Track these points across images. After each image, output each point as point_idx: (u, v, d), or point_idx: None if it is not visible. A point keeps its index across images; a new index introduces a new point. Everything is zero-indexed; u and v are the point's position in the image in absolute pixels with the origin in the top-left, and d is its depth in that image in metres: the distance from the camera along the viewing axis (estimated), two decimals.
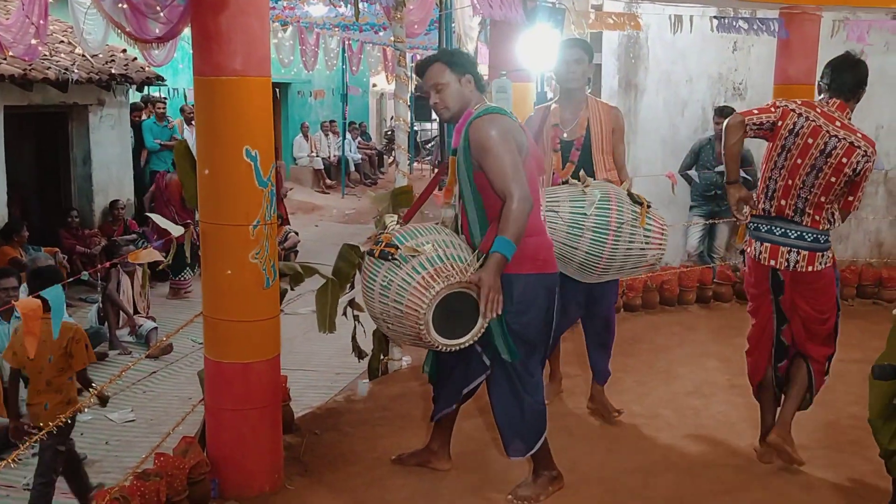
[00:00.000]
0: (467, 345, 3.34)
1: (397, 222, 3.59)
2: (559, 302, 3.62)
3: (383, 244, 3.34)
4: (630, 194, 4.14)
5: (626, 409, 4.63)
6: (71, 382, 4.39)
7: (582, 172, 4.24)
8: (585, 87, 4.45)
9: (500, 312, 3.23)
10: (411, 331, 3.29)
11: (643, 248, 4.11)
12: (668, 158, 7.83)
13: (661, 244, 4.18)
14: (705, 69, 8.14)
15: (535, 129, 4.40)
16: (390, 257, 3.28)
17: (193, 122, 11.12)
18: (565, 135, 4.42)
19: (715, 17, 6.76)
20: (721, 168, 7.05)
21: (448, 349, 3.33)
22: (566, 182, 4.29)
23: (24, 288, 6.35)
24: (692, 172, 7.19)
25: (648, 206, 4.14)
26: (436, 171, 4.54)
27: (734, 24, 6.69)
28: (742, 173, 6.87)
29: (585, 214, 4.00)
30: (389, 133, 21.07)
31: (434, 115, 19.97)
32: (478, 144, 3.33)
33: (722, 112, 7.21)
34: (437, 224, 3.62)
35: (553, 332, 3.64)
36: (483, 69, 16.96)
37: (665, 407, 4.87)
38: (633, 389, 5.14)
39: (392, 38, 5.38)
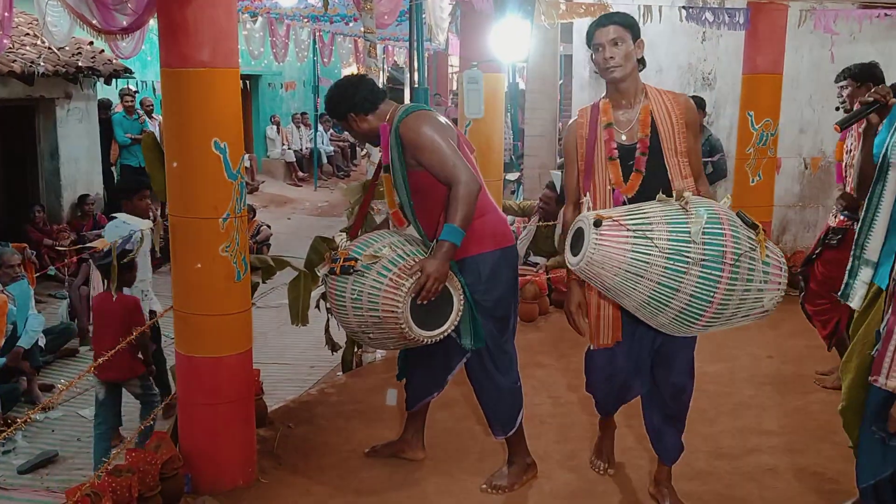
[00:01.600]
0: (449, 331, 3.37)
1: (346, 239, 3.55)
2: (619, 375, 3.50)
3: (341, 260, 3.32)
4: (741, 215, 3.03)
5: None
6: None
7: (679, 187, 3.20)
8: (637, 74, 3.29)
9: (431, 299, 3.25)
10: (393, 332, 3.29)
11: (761, 290, 3.00)
12: None
13: (780, 283, 3.07)
14: (675, 59, 8.20)
15: (570, 143, 3.45)
16: (352, 270, 3.28)
17: (154, 115, 11.14)
18: (623, 137, 3.28)
19: (683, 7, 6.81)
20: None
21: (432, 340, 3.35)
22: (630, 200, 3.24)
23: None
24: None
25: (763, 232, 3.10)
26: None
27: (702, 14, 6.74)
28: (712, 162, 6.94)
29: (690, 242, 2.87)
30: None
31: None
32: (412, 144, 3.35)
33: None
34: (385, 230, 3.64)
35: (610, 406, 3.71)
36: (454, 60, 16.91)
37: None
38: None
39: (363, 29, 5.36)
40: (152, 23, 3.85)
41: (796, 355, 5.48)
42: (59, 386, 4.34)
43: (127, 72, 10.20)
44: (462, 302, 3.36)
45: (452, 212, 3.24)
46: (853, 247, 3.14)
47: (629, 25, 3.25)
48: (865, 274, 3.14)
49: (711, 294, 2.87)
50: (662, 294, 2.89)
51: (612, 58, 3.19)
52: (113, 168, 10.89)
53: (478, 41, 6.04)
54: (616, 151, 3.27)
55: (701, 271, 2.84)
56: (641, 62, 3.28)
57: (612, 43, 3.20)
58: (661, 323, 3.05)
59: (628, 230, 2.89)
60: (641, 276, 2.87)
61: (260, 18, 12.08)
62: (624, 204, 3.18)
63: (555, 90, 8.33)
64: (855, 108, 4.41)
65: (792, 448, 4.17)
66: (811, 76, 7.54)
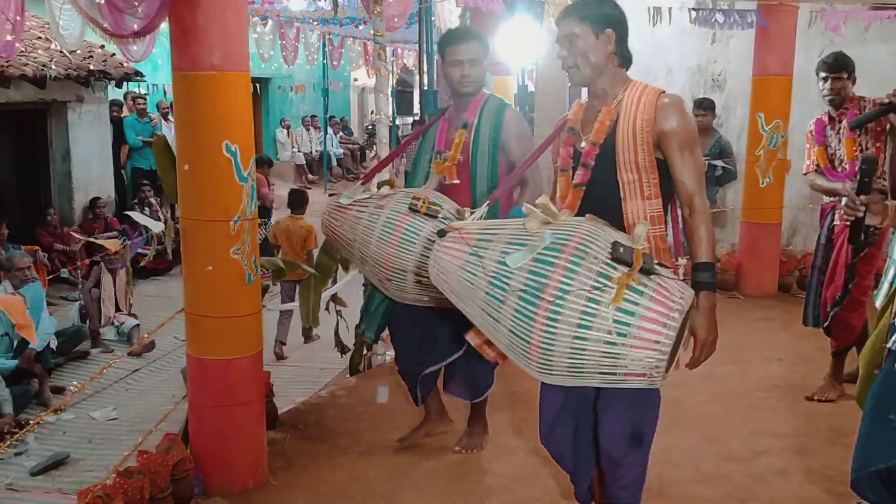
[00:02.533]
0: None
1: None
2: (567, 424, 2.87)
3: (424, 203, 3.37)
4: (617, 246, 2.41)
5: None
6: None
7: (632, 210, 2.67)
8: (612, 70, 2.75)
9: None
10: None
11: (612, 343, 2.36)
12: None
13: (655, 344, 2.35)
14: (684, 61, 8.18)
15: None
16: (436, 215, 3.35)
17: (170, 118, 11.20)
18: (583, 144, 2.79)
19: (693, 9, 6.80)
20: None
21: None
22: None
23: (5, 285, 6.33)
24: None
25: (650, 274, 2.39)
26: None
27: (712, 16, 6.73)
28: (722, 164, 6.92)
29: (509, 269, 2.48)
30: (371, 127, 21.04)
31: (416, 110, 19.64)
32: (508, 127, 3.72)
33: (701, 104, 7.25)
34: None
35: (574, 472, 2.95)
36: None
37: None
38: None
39: (372, 32, 5.37)
40: (163, 26, 3.87)
41: (807, 357, 5.46)
42: (72, 388, 4.35)
43: (138, 75, 10.24)
44: None
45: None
46: (890, 249, 3.15)
47: (586, 17, 2.71)
48: (891, 274, 3.18)
49: (528, 333, 2.41)
50: (489, 322, 2.55)
51: (565, 57, 2.73)
52: (123, 171, 10.94)
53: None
54: (570, 161, 2.82)
55: (517, 303, 2.42)
56: (621, 57, 2.75)
57: (566, 40, 2.73)
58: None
59: (468, 245, 2.58)
60: (469, 299, 2.57)
61: (270, 22, 12.12)
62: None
63: (564, 92, 8.32)
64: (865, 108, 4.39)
65: (802, 450, 4.15)
66: None
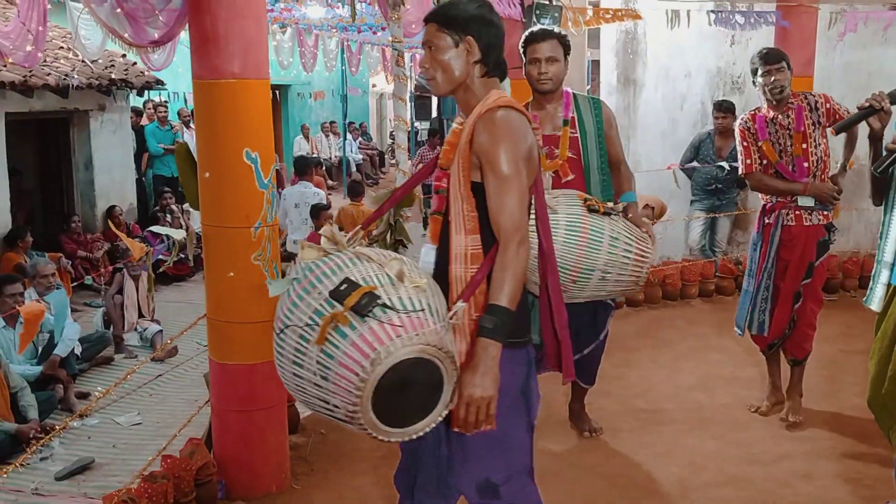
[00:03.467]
0: None
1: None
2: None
3: (594, 202, 3.86)
4: (343, 283, 2.20)
5: (629, 405, 4.64)
6: None
7: (455, 244, 2.39)
8: (471, 83, 2.46)
9: None
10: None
11: (317, 385, 2.19)
12: (668, 153, 7.86)
13: (348, 394, 2.10)
14: (703, 63, 8.15)
15: None
16: (611, 212, 3.86)
17: (191, 125, 11.30)
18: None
19: (712, 11, 6.78)
20: (722, 163, 7.08)
21: None
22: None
23: (29, 292, 6.40)
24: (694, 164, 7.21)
25: (365, 316, 2.13)
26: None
27: (731, 17, 6.71)
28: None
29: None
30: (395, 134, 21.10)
31: (433, 114, 19.63)
32: (612, 123, 4.10)
33: (721, 106, 7.23)
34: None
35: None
36: None
37: (668, 401, 4.88)
38: (637, 384, 5.16)
39: (390, 39, 5.39)
40: (183, 35, 3.92)
41: (830, 360, 5.43)
42: (96, 393, 4.39)
43: (159, 83, 10.33)
44: None
45: (630, 182, 4.18)
46: (876, 252, 3.28)
47: (444, 22, 2.39)
48: (884, 276, 3.35)
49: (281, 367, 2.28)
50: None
51: (427, 68, 2.44)
52: (143, 178, 11.03)
53: (505, 48, 6.03)
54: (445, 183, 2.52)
55: (277, 338, 2.27)
56: (489, 65, 2.44)
57: (426, 48, 2.43)
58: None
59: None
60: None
61: (289, 29, 12.19)
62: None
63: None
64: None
65: (826, 453, 4.13)
66: (843, 79, 7.46)
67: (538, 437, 4.07)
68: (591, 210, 3.68)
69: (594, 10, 6.84)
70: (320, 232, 2.38)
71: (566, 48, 3.94)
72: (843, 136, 4.17)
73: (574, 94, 4.05)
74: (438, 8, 2.43)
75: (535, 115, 3.96)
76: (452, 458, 2.45)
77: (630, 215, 3.85)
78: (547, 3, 5.92)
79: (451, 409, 2.19)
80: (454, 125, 2.50)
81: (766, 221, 4.45)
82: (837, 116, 4.28)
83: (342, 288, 2.13)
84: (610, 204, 3.83)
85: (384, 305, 2.11)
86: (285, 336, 2.20)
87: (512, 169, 2.27)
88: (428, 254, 2.47)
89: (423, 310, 2.14)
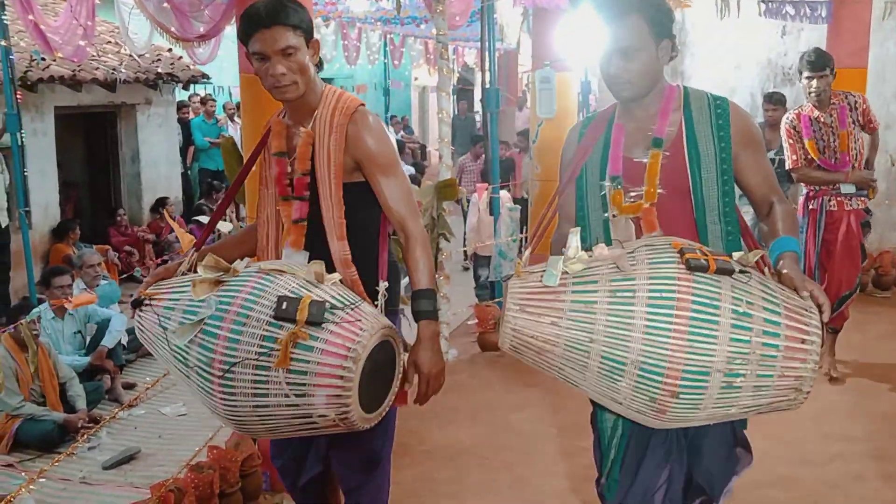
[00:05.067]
0: None
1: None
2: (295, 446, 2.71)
3: (706, 253, 2.11)
4: (283, 301, 2.17)
5: None
6: None
7: (334, 251, 2.44)
8: (314, 86, 2.46)
9: None
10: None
11: (292, 405, 2.18)
12: None
13: (335, 399, 2.15)
14: (753, 54, 8.00)
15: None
16: (738, 268, 2.09)
17: (235, 119, 11.40)
18: (289, 169, 2.55)
19: (763, 1, 6.64)
20: (772, 155, 6.94)
21: None
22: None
23: (77, 283, 6.51)
24: None
25: (320, 325, 2.15)
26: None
27: (782, 8, 6.57)
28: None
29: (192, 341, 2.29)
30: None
31: (476, 108, 19.48)
32: (749, 135, 2.35)
33: (771, 98, 7.08)
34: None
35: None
36: (525, 60, 16.56)
37: None
38: None
39: (434, 31, 5.37)
40: (228, 29, 3.93)
41: (884, 360, 5.30)
42: (145, 383, 4.43)
43: (205, 77, 10.43)
44: None
45: (788, 227, 2.30)
46: None
47: (298, 26, 2.35)
48: None
49: (214, 406, 2.22)
50: (192, 394, 2.33)
51: (283, 74, 2.35)
52: (189, 171, 11.15)
53: (550, 41, 5.99)
54: (288, 189, 2.48)
55: (197, 379, 2.22)
56: (320, 65, 2.48)
57: (281, 55, 2.34)
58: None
59: (156, 315, 2.33)
60: (173, 370, 2.35)
61: (332, 23, 12.24)
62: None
63: None
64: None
65: (879, 455, 4.03)
66: None
67: (585, 438, 4.04)
68: (692, 267, 2.05)
69: None
70: (201, 263, 2.30)
71: (654, 36, 2.29)
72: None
73: (686, 90, 2.40)
74: (288, 10, 2.33)
75: (621, 126, 2.38)
76: (339, 443, 2.59)
77: (785, 273, 2.17)
78: None
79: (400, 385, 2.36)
80: (301, 130, 2.42)
81: (811, 207, 4.96)
82: (870, 117, 4.90)
83: (283, 307, 2.11)
84: (737, 254, 2.19)
85: (332, 308, 2.15)
86: (234, 374, 2.13)
87: (398, 165, 2.49)
88: (294, 258, 2.41)
89: (354, 301, 2.22)
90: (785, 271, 2.16)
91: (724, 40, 7.87)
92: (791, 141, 4.90)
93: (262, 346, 2.12)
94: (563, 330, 2.06)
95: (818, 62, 4.71)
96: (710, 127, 2.32)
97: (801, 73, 4.80)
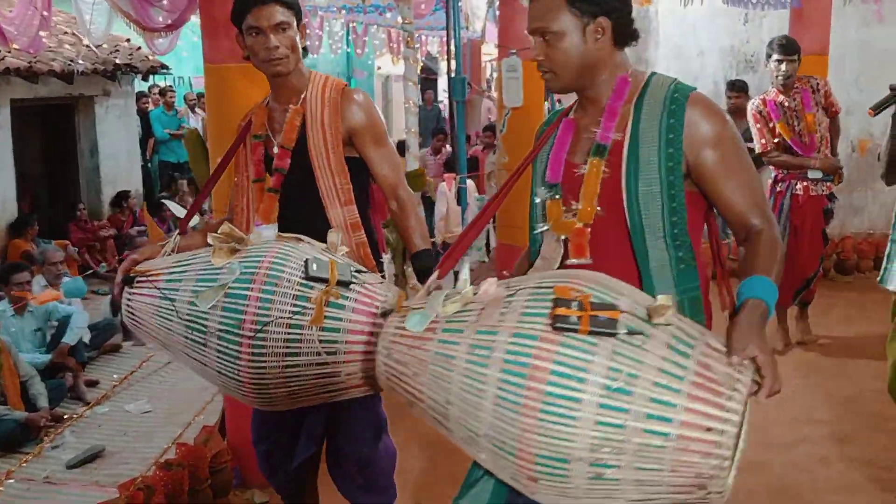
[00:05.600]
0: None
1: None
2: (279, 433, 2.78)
3: (586, 307, 1.66)
4: (311, 263, 2.26)
5: None
6: None
7: (335, 217, 2.57)
8: (299, 66, 2.62)
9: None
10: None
11: (322, 364, 2.25)
12: None
13: (364, 355, 2.24)
14: (716, 42, 8.06)
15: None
16: (614, 332, 1.63)
17: (197, 110, 11.25)
18: (275, 149, 2.65)
19: None
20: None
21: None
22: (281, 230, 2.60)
23: (38, 280, 6.39)
24: None
25: (349, 285, 2.25)
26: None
27: None
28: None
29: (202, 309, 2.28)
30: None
31: (440, 98, 19.36)
32: (709, 137, 1.87)
33: (734, 86, 7.14)
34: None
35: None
36: (488, 48, 16.51)
37: None
38: None
39: (399, 20, 5.33)
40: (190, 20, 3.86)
41: (845, 343, 5.38)
42: (112, 381, 4.37)
43: (164, 68, 10.26)
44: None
45: (766, 262, 1.85)
46: (891, 230, 3.27)
47: (293, 5, 2.57)
48: None
49: (237, 372, 2.25)
50: (196, 366, 2.38)
51: (276, 47, 2.51)
52: (149, 164, 10.99)
53: (517, 28, 5.97)
54: (263, 171, 2.66)
55: (218, 344, 2.24)
56: (305, 51, 2.66)
57: (279, 29, 2.52)
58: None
59: (157, 289, 2.34)
60: (172, 344, 2.36)
61: None
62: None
63: None
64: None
65: (843, 437, 4.10)
66: (858, 56, 7.37)
67: None
68: (557, 326, 1.65)
69: None
70: (218, 232, 2.35)
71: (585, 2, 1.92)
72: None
73: (649, 80, 1.96)
74: None
75: (570, 124, 2.04)
76: (344, 413, 2.61)
77: (729, 328, 1.73)
78: None
79: None
80: (291, 107, 2.58)
81: (778, 189, 5.11)
82: (832, 101, 5.07)
83: (314, 268, 2.22)
84: (659, 299, 1.72)
85: (357, 271, 2.32)
86: (266, 334, 2.20)
87: (388, 138, 2.66)
88: (264, 233, 2.48)
89: (364, 269, 2.39)
90: (734, 336, 1.70)
91: (687, 28, 7.92)
92: (759, 126, 5.05)
93: (294, 305, 2.20)
94: (424, 387, 1.79)
95: (789, 46, 4.91)
96: (659, 127, 1.87)
97: (769, 56, 4.96)
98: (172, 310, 2.30)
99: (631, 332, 1.62)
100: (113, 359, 6.77)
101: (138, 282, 2.38)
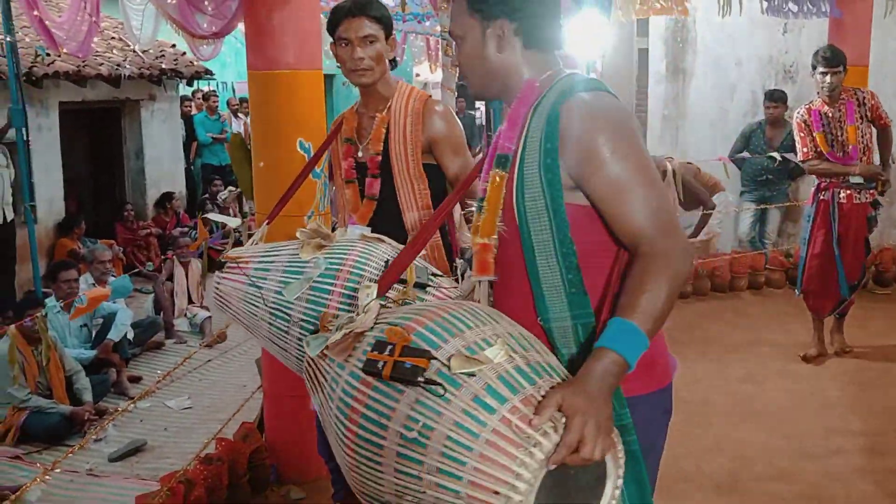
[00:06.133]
0: None
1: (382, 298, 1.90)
2: None
3: (396, 352, 1.63)
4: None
5: (676, 397, 4.59)
6: None
7: (410, 220, 2.75)
8: (386, 76, 2.77)
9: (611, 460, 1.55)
10: None
11: None
12: (718, 143, 7.75)
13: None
14: (755, 52, 8.02)
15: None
16: (422, 381, 1.57)
17: (239, 115, 11.43)
18: (360, 153, 2.82)
19: None
20: (773, 153, 6.97)
21: None
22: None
23: (84, 278, 6.55)
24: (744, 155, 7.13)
25: (425, 287, 2.26)
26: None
27: (784, 5, 6.58)
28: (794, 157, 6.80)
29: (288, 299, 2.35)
30: None
31: (478, 104, 19.42)
32: (581, 145, 1.68)
33: (772, 96, 7.12)
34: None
35: None
36: None
37: (717, 393, 4.84)
38: (684, 376, 5.07)
39: (438, 28, 5.40)
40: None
41: (884, 356, 5.34)
42: (150, 377, 4.48)
43: (208, 73, 10.45)
44: (620, 479, 1.60)
45: (634, 299, 1.59)
46: None
47: (381, 17, 2.71)
48: None
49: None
50: (277, 351, 2.45)
51: (361, 59, 2.68)
52: (192, 167, 11.18)
53: None
54: (354, 172, 2.85)
55: (300, 332, 2.30)
56: (393, 63, 2.82)
57: (366, 41, 2.68)
58: None
59: (246, 276, 2.46)
60: (256, 328, 2.46)
61: None
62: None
63: (631, 84, 8.26)
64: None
65: (879, 449, 4.07)
66: None
67: None
68: (364, 370, 1.67)
69: (644, 0, 6.75)
70: (308, 227, 2.47)
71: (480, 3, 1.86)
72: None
73: (555, 85, 1.78)
74: (372, 3, 2.70)
75: (498, 136, 1.87)
76: None
77: (549, 393, 1.53)
78: None
79: None
80: (377, 116, 2.75)
81: (821, 198, 5.09)
82: (880, 113, 5.01)
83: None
84: (450, 348, 1.60)
85: (433, 275, 2.35)
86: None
87: (467, 150, 2.81)
88: (350, 231, 2.61)
89: (439, 272, 2.44)
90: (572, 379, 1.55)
91: (725, 38, 7.89)
92: (802, 134, 5.04)
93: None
94: (315, 403, 1.89)
95: (833, 59, 4.84)
96: (541, 136, 1.71)
97: (814, 68, 4.91)
98: (259, 297, 2.41)
99: (428, 382, 1.55)
100: (155, 356, 6.92)
101: (228, 267, 2.53)
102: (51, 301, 5.93)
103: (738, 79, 8.06)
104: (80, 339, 6.15)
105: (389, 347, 1.63)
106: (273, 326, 2.38)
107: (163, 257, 8.46)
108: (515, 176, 1.74)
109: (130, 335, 6.55)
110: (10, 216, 7.47)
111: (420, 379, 1.55)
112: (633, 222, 1.66)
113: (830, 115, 4.97)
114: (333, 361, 1.74)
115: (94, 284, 6.50)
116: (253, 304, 2.44)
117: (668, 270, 1.60)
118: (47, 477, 4.20)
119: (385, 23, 2.70)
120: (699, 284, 6.92)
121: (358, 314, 1.77)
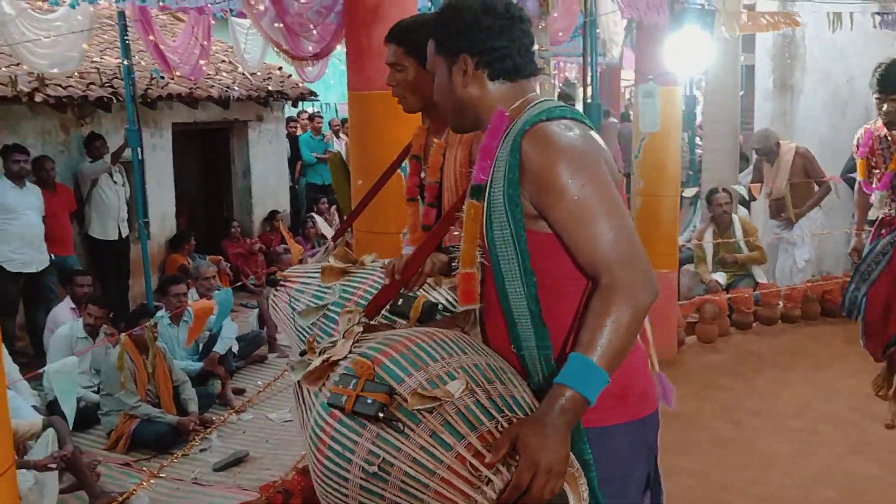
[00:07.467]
0: None
1: (358, 321, 1.95)
2: None
3: (360, 386, 1.67)
4: (399, 298, 2.13)
5: (783, 425, 4.44)
6: None
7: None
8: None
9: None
10: None
11: None
12: (829, 161, 7.47)
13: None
14: (867, 67, 7.68)
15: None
16: (382, 417, 1.61)
17: (341, 135, 11.68)
18: (422, 174, 2.74)
19: (878, 13, 6.41)
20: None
21: None
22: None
23: (191, 293, 6.79)
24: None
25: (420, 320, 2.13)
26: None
27: None
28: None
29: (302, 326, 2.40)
30: None
31: None
32: (540, 175, 1.71)
33: None
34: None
35: None
36: (627, 74, 16.29)
37: (826, 422, 4.65)
38: (792, 403, 4.94)
39: (536, 47, 5.40)
40: (336, 49, 4.06)
41: None
42: (256, 388, 4.59)
43: (312, 95, 10.72)
44: None
45: (592, 334, 1.61)
46: None
47: (410, 45, 2.47)
48: None
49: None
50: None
51: (391, 86, 2.58)
52: (296, 186, 11.48)
53: (653, 54, 5.95)
54: (416, 191, 2.74)
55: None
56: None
57: (394, 67, 2.54)
58: None
59: (288, 296, 2.52)
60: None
61: None
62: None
63: (736, 102, 8.04)
64: None
65: None
66: None
67: (684, 456, 4.00)
68: (329, 403, 1.74)
69: (748, 15, 6.59)
70: (332, 254, 2.51)
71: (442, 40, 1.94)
72: None
73: (524, 113, 1.82)
74: (399, 30, 2.54)
75: None
76: None
77: (506, 431, 1.57)
78: (699, 7, 5.77)
79: None
80: (435, 141, 2.60)
81: (881, 232, 4.33)
82: None
83: (399, 303, 2.16)
84: (413, 383, 1.65)
85: (443, 310, 2.20)
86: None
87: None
88: (368, 260, 2.58)
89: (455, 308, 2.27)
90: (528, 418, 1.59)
91: (835, 53, 7.62)
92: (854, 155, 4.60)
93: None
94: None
95: (889, 85, 4.01)
96: (504, 167, 1.74)
97: (871, 87, 4.16)
98: (292, 319, 2.46)
99: (386, 419, 1.59)
100: (259, 369, 7.09)
101: (280, 285, 2.58)
102: (160, 313, 6.17)
103: (850, 95, 7.75)
104: (188, 351, 6.37)
105: (354, 381, 1.66)
106: (298, 348, 2.38)
107: (267, 273, 8.69)
108: (484, 206, 1.78)
109: (235, 348, 6.74)
110: (125, 232, 7.83)
111: (380, 415, 1.59)
112: (593, 253, 1.66)
113: (884, 136, 4.27)
114: (311, 388, 1.80)
115: (199, 300, 6.72)
116: (289, 324, 2.51)
117: (628, 303, 1.61)
118: (153, 482, 4.38)
119: (415, 49, 2.40)
120: (808, 308, 6.66)
121: (336, 342, 1.82)
